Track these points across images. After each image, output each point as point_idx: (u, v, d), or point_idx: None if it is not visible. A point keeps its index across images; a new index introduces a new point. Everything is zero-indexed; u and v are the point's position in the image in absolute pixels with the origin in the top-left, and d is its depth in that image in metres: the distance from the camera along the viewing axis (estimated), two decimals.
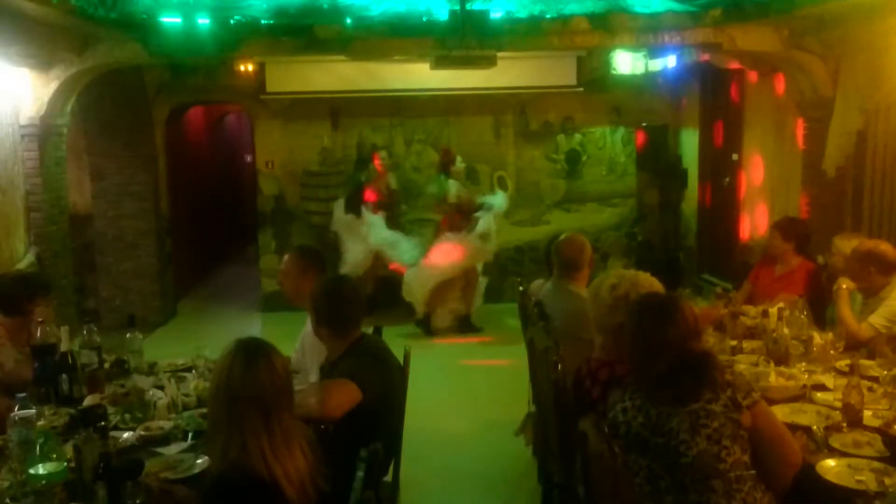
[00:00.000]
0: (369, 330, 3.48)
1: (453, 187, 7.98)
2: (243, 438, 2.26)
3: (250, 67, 8.33)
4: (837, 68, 5.98)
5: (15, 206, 6.05)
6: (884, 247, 4.16)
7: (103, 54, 6.27)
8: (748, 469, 2.50)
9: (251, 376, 2.30)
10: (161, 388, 3.43)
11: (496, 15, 6.04)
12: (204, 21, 5.86)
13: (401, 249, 8.14)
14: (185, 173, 9.82)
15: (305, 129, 8.94)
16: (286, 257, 3.97)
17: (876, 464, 2.62)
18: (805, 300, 4.21)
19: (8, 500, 2.40)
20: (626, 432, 2.55)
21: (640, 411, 2.54)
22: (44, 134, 6.24)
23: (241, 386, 2.29)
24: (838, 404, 3.05)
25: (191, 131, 10.68)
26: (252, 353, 2.34)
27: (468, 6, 5.75)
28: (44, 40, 5.74)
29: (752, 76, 7.52)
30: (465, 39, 5.93)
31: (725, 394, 2.50)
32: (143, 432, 3.04)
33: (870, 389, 3.20)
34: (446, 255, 7.75)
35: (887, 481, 2.46)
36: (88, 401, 3.31)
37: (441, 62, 6.25)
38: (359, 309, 3.23)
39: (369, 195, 8.18)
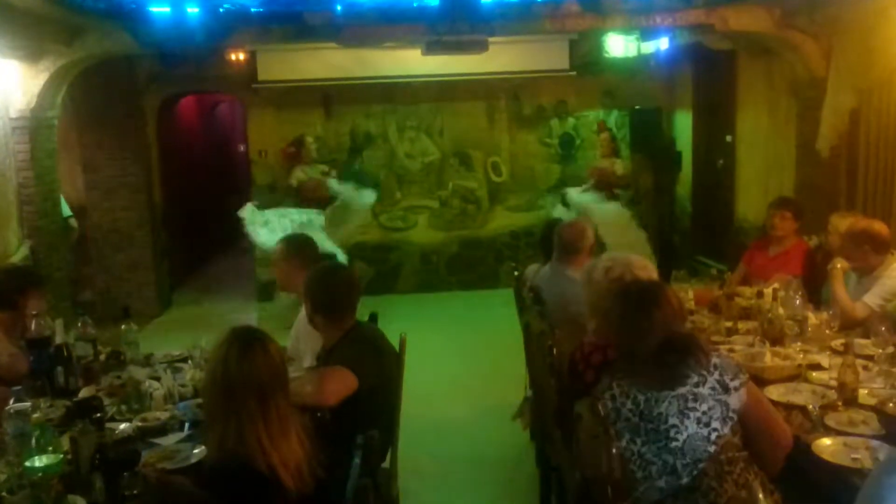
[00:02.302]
0: (364, 317, 3.49)
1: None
2: (240, 427, 2.26)
3: (241, 56, 8.31)
4: (830, 48, 5.96)
5: (7, 200, 6.02)
6: (878, 226, 4.16)
7: (92, 45, 6.22)
8: (739, 450, 2.50)
9: (247, 364, 2.30)
10: (157, 378, 3.43)
11: None
12: (193, 10, 5.82)
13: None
14: (179, 164, 9.79)
15: (298, 118, 8.90)
16: (277, 247, 3.98)
17: (872, 442, 2.62)
18: (800, 280, 4.22)
19: (5, 493, 2.40)
20: (616, 418, 2.55)
21: (627, 397, 2.54)
22: (34, 126, 6.20)
23: (237, 374, 2.29)
24: (834, 383, 3.06)
25: (183, 121, 10.63)
26: (247, 341, 2.35)
27: None
28: (32, 32, 5.70)
29: (745, 57, 7.50)
30: (457, 25, 5.90)
31: (713, 376, 2.50)
32: (139, 423, 3.05)
33: (865, 368, 3.21)
34: None
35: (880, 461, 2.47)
36: (84, 393, 3.32)
37: (432, 48, 6.23)
38: (353, 296, 3.23)
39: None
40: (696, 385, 2.49)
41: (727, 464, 2.46)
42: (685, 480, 2.46)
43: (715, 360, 2.54)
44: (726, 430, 2.47)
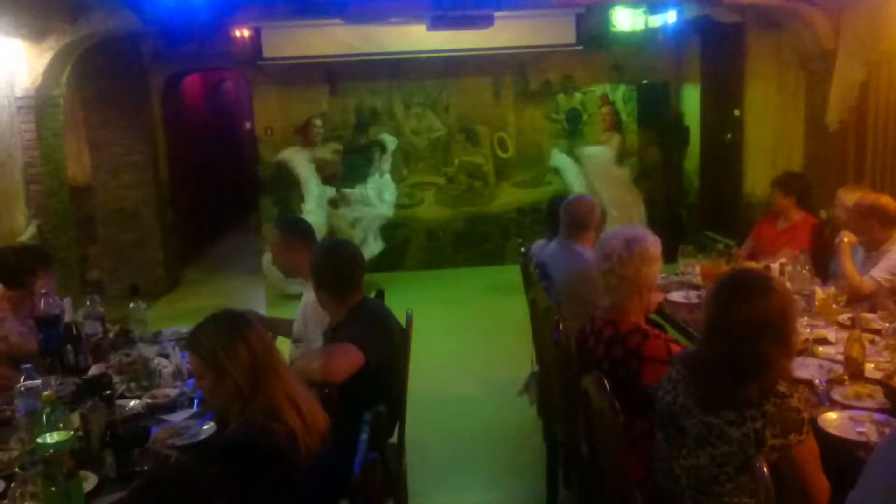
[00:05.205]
0: (371, 294, 3.49)
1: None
2: (270, 389, 2.33)
3: (246, 33, 8.28)
4: (839, 20, 5.90)
5: (13, 179, 6.03)
6: (885, 200, 4.14)
7: (97, 23, 6.20)
8: (751, 497, 2.25)
9: (257, 335, 2.39)
10: (166, 356, 3.46)
11: None
12: None
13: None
14: (184, 142, 9.78)
15: (303, 95, 8.86)
16: (272, 235, 3.92)
17: (877, 416, 2.62)
18: (807, 255, 4.21)
19: (17, 469, 2.42)
20: (658, 399, 2.46)
21: (674, 389, 2.41)
22: (40, 105, 6.20)
23: (259, 343, 2.38)
24: (840, 358, 3.06)
25: (188, 99, 10.61)
26: (240, 316, 2.46)
27: None
28: (36, 10, 5.68)
29: (754, 30, 7.43)
30: None
31: (754, 423, 2.20)
32: (148, 400, 3.08)
33: (871, 342, 3.21)
34: None
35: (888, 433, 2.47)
36: (94, 370, 3.35)
37: (437, 23, 6.18)
38: (358, 272, 3.23)
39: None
40: (730, 423, 2.24)
41: None
42: (687, 502, 2.36)
43: (770, 408, 2.20)
44: (741, 478, 2.25)
